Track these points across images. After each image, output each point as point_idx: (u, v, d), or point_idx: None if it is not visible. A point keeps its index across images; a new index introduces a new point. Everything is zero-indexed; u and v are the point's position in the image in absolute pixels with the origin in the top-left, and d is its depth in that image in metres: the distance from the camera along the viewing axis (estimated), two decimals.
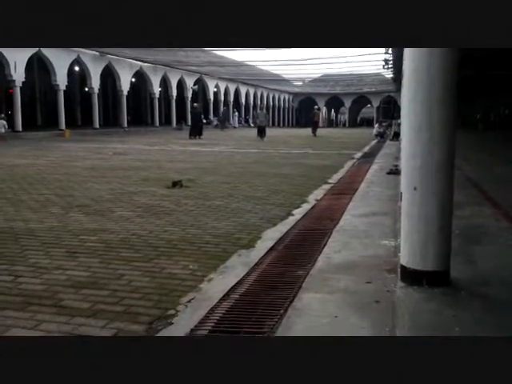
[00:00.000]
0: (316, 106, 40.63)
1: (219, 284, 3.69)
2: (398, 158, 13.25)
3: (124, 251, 4.59)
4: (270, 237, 5.11)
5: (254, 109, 31.40)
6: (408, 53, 3.46)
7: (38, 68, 33.70)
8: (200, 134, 27.47)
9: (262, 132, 26.59)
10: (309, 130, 34.76)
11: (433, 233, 3.37)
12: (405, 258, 3.51)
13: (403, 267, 3.52)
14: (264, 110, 32.62)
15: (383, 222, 5.64)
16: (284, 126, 66.60)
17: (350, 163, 13.47)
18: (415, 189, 3.39)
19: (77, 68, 33.30)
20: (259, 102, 57.67)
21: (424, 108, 3.32)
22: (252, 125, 47.51)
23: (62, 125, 30.01)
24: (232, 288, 3.58)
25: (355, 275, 3.78)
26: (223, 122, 42.29)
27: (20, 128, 27.02)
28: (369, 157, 15.55)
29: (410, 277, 3.45)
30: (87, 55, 31.18)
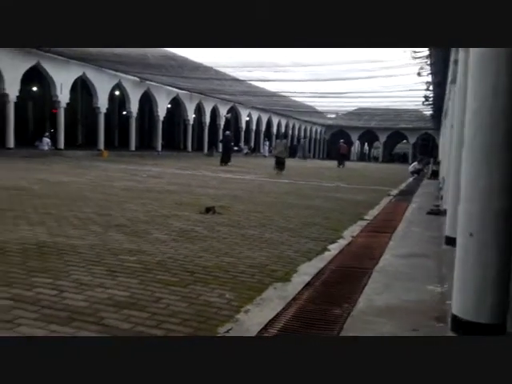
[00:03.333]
0: (342, 140, 41.07)
1: (256, 316, 3.63)
2: (438, 198, 12.94)
3: (161, 274, 4.62)
4: (305, 271, 5.00)
5: (281, 139, 27.99)
6: (470, 90, 3.30)
7: (81, 90, 35.03)
8: (228, 160, 27.54)
9: (280, 164, 22.87)
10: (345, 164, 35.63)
11: (490, 282, 3.17)
12: (457, 307, 3.31)
13: (454, 317, 3.32)
14: (284, 140, 27.58)
15: (426, 265, 5.46)
16: (315, 157, 66.30)
17: (386, 200, 12.98)
18: (471, 235, 3.21)
19: (117, 92, 34.25)
20: (291, 132, 57.66)
21: (485, 151, 3.15)
22: (267, 155, 47.03)
23: (101, 145, 30.91)
24: (270, 322, 3.51)
25: (400, 320, 3.64)
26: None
27: (62, 146, 27.95)
28: (406, 194, 14.95)
29: (462, 328, 3.24)
30: (128, 80, 32.25)
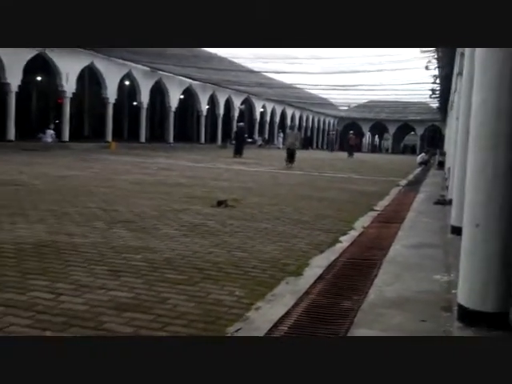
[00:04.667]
0: (351, 131, 43.32)
1: (267, 314, 3.52)
2: (443, 188, 13.24)
3: (168, 272, 4.45)
4: (317, 264, 4.96)
5: (293, 129, 27.05)
6: (476, 82, 3.36)
7: (89, 80, 34.36)
8: (242, 152, 27.32)
9: (291, 156, 21.69)
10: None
11: (495, 272, 3.22)
12: (463, 297, 3.36)
13: (461, 306, 3.36)
14: (295, 130, 26.38)
15: (434, 255, 5.51)
16: (328, 149, 66.57)
17: (395, 190, 13.29)
18: (477, 226, 3.25)
19: (127, 82, 33.96)
20: (304, 124, 57.66)
21: (491, 142, 3.20)
22: (281, 146, 45.96)
23: (109, 137, 30.49)
24: (280, 319, 3.41)
25: (409, 312, 3.62)
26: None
27: (67, 138, 27.51)
28: (414, 185, 15.46)
29: (468, 317, 3.29)
30: (139, 70, 31.89)
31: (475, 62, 3.44)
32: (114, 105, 31.30)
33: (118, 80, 30.87)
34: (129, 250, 5.19)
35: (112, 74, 29.92)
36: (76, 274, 4.25)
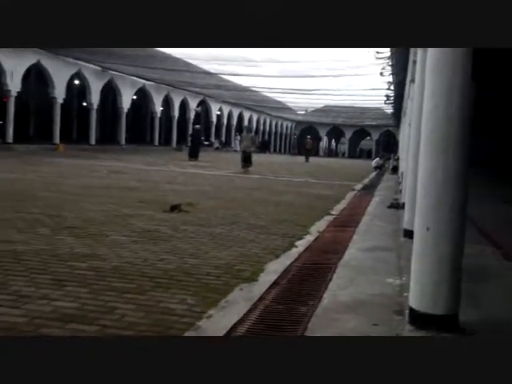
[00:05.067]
0: (308, 136, 43.68)
1: (219, 322, 3.43)
2: (397, 192, 13.50)
3: (116, 281, 4.28)
4: (272, 269, 4.93)
5: (248, 132, 26.44)
6: (427, 89, 3.41)
7: (36, 79, 32.92)
8: (197, 155, 26.97)
9: (247, 159, 21.06)
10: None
11: (445, 275, 3.28)
12: (414, 300, 3.40)
13: (412, 309, 3.40)
14: (252, 133, 25.36)
15: (388, 259, 5.58)
16: (285, 153, 67.09)
17: (351, 194, 13.50)
18: (428, 229, 3.29)
19: (77, 81, 33.05)
20: (262, 127, 57.76)
21: (441, 147, 3.26)
22: (238, 149, 46.33)
23: (57, 139, 29.50)
24: (233, 327, 3.33)
25: (362, 315, 3.65)
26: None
27: (11, 139, 26.45)
28: (369, 189, 15.75)
29: (419, 320, 3.33)
30: (89, 69, 31.15)
31: (426, 69, 3.51)
32: (63, 105, 30.33)
33: (66, 79, 29.97)
34: (74, 257, 4.97)
35: (60, 73, 29.03)
36: (16, 284, 4.01)
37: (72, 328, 3.17)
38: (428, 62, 3.44)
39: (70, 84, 31.35)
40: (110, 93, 36.40)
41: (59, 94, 29.45)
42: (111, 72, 32.65)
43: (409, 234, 5.68)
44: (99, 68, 31.53)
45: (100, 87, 32.88)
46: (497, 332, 3.40)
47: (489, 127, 36.16)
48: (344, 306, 3.85)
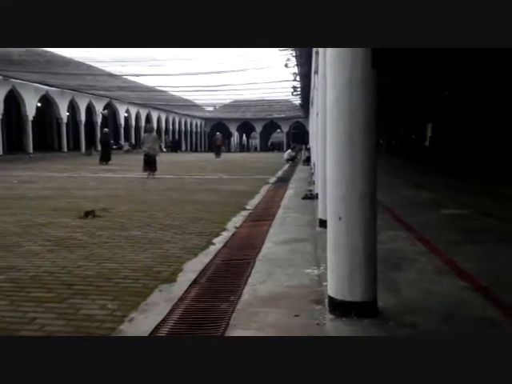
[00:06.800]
0: (218, 133, 43.74)
1: (141, 324, 3.47)
2: (311, 183, 13.61)
3: (35, 291, 4.24)
4: (191, 269, 4.96)
5: (150, 131, 20.24)
6: (329, 81, 3.44)
7: None
8: (108, 159, 26.47)
9: (150, 164, 17.33)
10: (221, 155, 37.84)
11: (360, 263, 3.33)
12: (332, 289, 3.45)
13: (331, 298, 3.46)
14: (154, 133, 20.04)
15: (304, 249, 5.64)
16: (197, 151, 66.62)
17: (265, 188, 13.60)
18: (340, 219, 3.34)
19: None
20: (171, 127, 57.05)
21: (346, 137, 3.29)
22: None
23: None
24: (155, 329, 3.38)
25: (283, 308, 3.69)
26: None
27: None
28: (283, 181, 15.80)
29: (339, 308, 3.39)
30: None
31: (327, 61, 3.51)
32: None
33: None
34: None
35: None
36: None
37: None
38: (328, 54, 3.45)
39: None
40: (13, 101, 34.72)
41: None
42: (13, 80, 31.22)
43: (324, 224, 5.70)
44: (0, 77, 30.06)
45: (3, 96, 31.36)
46: (412, 315, 3.42)
47: (402, 114, 37.62)
48: (264, 300, 3.89)
